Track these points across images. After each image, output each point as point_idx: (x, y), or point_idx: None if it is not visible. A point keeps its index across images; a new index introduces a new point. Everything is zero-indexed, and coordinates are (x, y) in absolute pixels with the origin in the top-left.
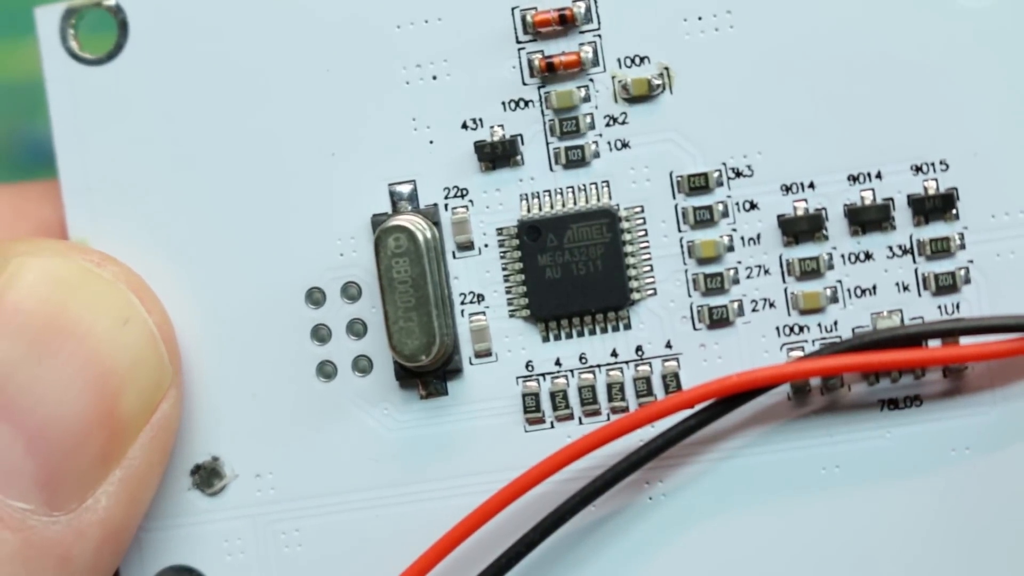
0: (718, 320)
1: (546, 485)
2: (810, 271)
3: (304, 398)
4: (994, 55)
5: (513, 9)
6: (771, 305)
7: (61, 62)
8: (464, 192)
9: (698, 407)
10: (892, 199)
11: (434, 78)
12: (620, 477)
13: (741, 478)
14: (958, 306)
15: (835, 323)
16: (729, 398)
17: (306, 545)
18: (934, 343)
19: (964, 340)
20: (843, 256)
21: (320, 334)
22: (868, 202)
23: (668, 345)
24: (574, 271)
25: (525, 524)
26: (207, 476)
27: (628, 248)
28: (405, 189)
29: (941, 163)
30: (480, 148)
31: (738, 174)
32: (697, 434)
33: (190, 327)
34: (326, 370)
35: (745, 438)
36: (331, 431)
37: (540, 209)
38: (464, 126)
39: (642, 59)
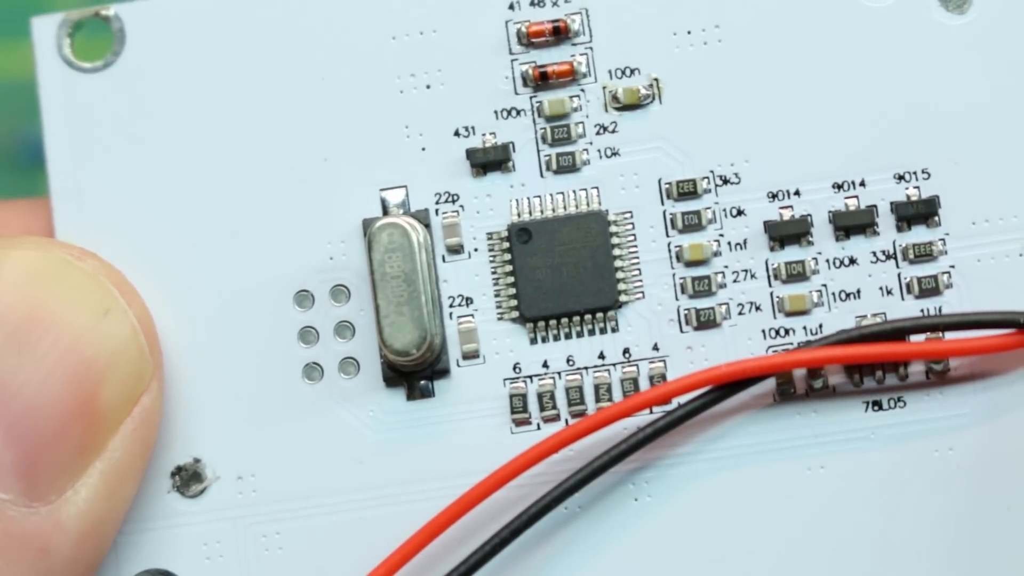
0: (705, 322)
1: (530, 485)
2: (795, 275)
3: (290, 400)
4: (973, 67)
5: (507, 22)
6: (757, 308)
7: (56, 70)
8: (455, 197)
9: (688, 396)
10: (875, 206)
11: (428, 87)
12: (607, 467)
13: (726, 479)
14: (940, 309)
15: (820, 326)
16: (718, 389)
17: (287, 548)
18: (918, 340)
19: (949, 337)
20: (828, 261)
21: (307, 336)
22: (852, 208)
23: (655, 347)
24: (563, 273)
25: (511, 516)
26: (188, 478)
27: (617, 252)
28: (396, 195)
29: (923, 171)
30: (472, 154)
31: (725, 181)
32: (683, 435)
33: (178, 327)
34: (312, 372)
35: (730, 439)
36: (316, 433)
37: (530, 214)
38: (456, 133)
39: (632, 71)
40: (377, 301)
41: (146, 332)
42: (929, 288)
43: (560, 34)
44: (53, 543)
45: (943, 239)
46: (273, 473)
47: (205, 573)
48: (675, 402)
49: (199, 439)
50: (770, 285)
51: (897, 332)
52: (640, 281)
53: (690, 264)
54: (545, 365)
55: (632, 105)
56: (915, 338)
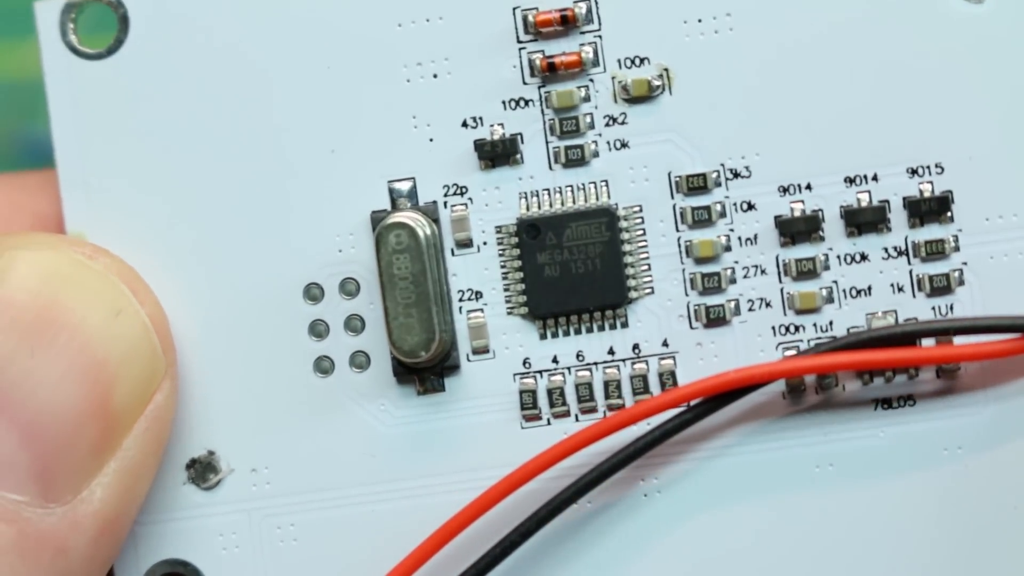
0: (715, 319)
1: (541, 480)
2: (806, 271)
3: (301, 393)
4: (990, 59)
5: (515, 9)
6: (767, 305)
7: (61, 56)
8: (463, 190)
9: (693, 402)
10: (888, 201)
11: (435, 76)
12: (615, 470)
13: (736, 475)
14: (952, 307)
15: (830, 323)
16: (724, 394)
17: (301, 540)
18: (928, 342)
19: (958, 340)
20: (839, 257)
21: (318, 330)
22: (864, 204)
23: (665, 343)
24: (572, 269)
25: (520, 517)
26: (203, 470)
27: (626, 247)
28: (404, 186)
29: (936, 166)
30: (480, 146)
31: (736, 175)
32: (693, 431)
33: (189, 322)
34: (323, 366)
35: (740, 435)
36: (328, 426)
37: (539, 208)
38: (464, 124)
39: (642, 60)
40: (385, 303)
41: (158, 330)
42: (941, 286)
43: (568, 23)
44: (70, 543)
45: (956, 236)
46: (286, 466)
47: (222, 563)
48: None
49: (213, 432)
50: (780, 281)
51: (906, 336)
52: (650, 276)
53: (700, 261)
54: (555, 360)
55: (642, 97)
56: (925, 340)
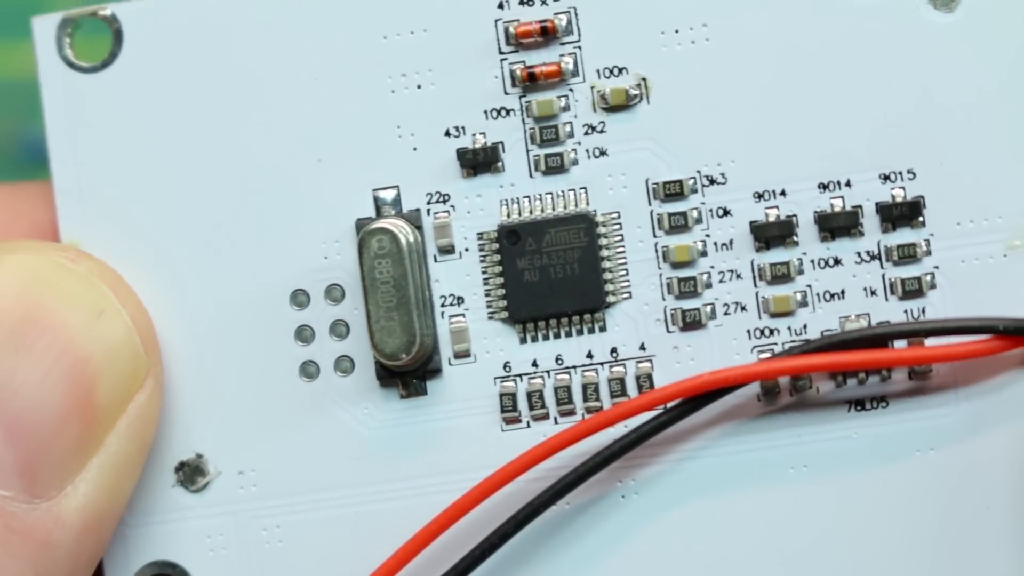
0: (691, 323)
1: (520, 482)
2: (781, 276)
3: (287, 397)
4: (960, 68)
5: (496, 21)
6: (742, 308)
7: (57, 69)
8: (446, 197)
9: (670, 404)
10: (861, 206)
11: (419, 87)
12: (592, 472)
13: (711, 477)
14: (924, 310)
15: (804, 326)
16: (699, 396)
17: (287, 542)
18: (900, 344)
19: (929, 342)
20: (813, 261)
21: (304, 335)
22: (838, 209)
23: (642, 347)
24: (552, 274)
25: (499, 519)
26: (191, 473)
27: (604, 252)
28: (389, 194)
29: (908, 172)
30: (462, 155)
31: (712, 182)
32: (669, 433)
33: (179, 327)
34: (309, 370)
35: (715, 438)
36: (313, 430)
37: (520, 214)
38: (447, 134)
39: (620, 70)
40: (368, 307)
41: (141, 331)
42: (913, 290)
43: (548, 34)
44: (54, 537)
45: (927, 240)
46: (272, 468)
47: (209, 565)
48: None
49: (201, 435)
50: (755, 285)
51: (878, 338)
52: (627, 281)
53: (676, 265)
54: (535, 364)
55: (620, 106)
56: (897, 342)
